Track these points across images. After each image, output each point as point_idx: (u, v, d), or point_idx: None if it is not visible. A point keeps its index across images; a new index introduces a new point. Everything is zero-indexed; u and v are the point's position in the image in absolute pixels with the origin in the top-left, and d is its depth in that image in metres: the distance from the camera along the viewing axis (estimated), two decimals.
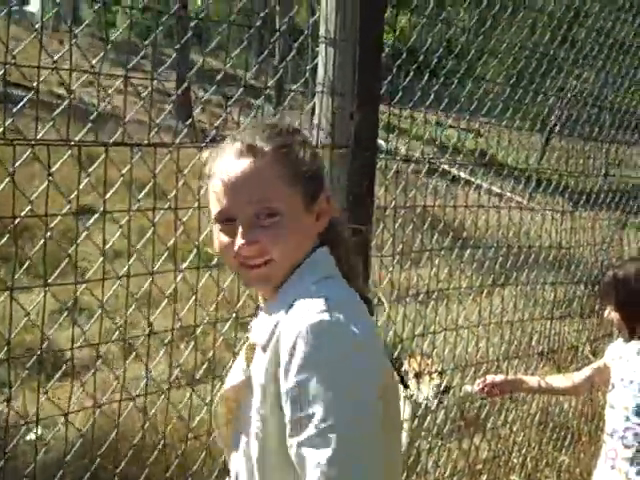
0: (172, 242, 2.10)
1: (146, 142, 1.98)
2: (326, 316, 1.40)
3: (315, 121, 2.44)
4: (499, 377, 3.36)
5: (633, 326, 3.03)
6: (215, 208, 1.54)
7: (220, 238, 1.55)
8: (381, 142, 2.98)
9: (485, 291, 3.77)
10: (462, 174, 4.74)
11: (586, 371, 3.40)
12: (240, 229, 1.50)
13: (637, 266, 3.05)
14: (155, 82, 2.49)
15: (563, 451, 4.22)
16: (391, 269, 2.89)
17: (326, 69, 2.41)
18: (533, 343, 4.07)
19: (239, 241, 1.49)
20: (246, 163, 1.51)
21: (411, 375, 3.93)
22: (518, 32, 3.79)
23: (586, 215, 4.35)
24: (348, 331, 1.41)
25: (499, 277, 3.77)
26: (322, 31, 2.40)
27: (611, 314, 3.10)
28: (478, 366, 3.69)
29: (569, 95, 4.51)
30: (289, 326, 1.42)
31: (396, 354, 3.15)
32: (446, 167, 4.43)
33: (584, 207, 4.46)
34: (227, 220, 1.52)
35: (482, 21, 3.64)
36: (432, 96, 3.27)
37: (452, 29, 3.42)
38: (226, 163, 1.53)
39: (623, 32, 4.69)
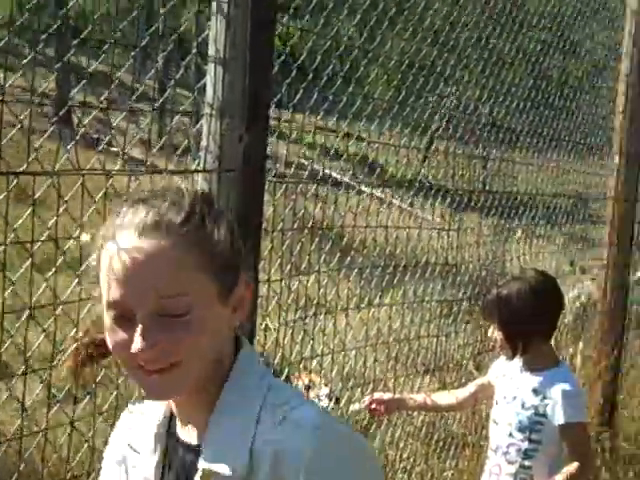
0: (52, 273, 1.99)
1: (23, 169, 1.86)
2: (331, 427, 1.25)
3: (203, 143, 2.36)
4: (386, 395, 3.37)
5: (515, 344, 3.08)
6: (107, 294, 1.23)
7: (112, 331, 1.24)
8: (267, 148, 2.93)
9: (372, 308, 3.77)
10: (353, 183, 4.73)
11: (470, 387, 3.45)
12: (139, 327, 1.20)
13: (519, 285, 3.11)
14: (34, 87, 2.37)
15: (447, 463, 4.28)
16: (279, 291, 2.84)
17: (215, 89, 2.34)
18: (419, 360, 4.10)
19: (137, 342, 1.19)
20: (150, 245, 1.21)
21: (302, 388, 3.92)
22: (400, 41, 3.82)
23: (470, 232, 4.41)
24: (351, 434, 1.29)
25: (386, 293, 3.79)
26: (211, 50, 2.32)
27: (494, 333, 3.14)
28: (366, 385, 3.69)
29: (450, 103, 4.57)
30: (288, 448, 1.19)
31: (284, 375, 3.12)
32: (334, 175, 4.43)
33: (467, 215, 4.52)
34: (122, 313, 1.22)
35: (370, 35, 3.64)
36: (323, 106, 3.25)
37: (340, 42, 3.40)
38: (124, 240, 1.22)
39: (505, 47, 4.78)
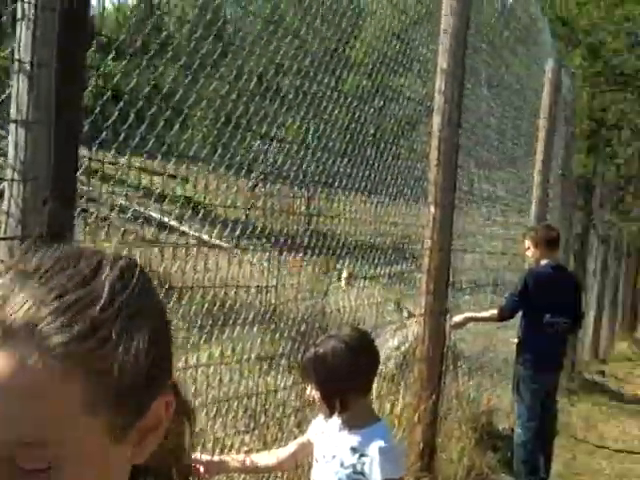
0: None
1: None
2: None
3: (4, 207, 2.23)
4: (204, 457, 3.27)
5: (332, 403, 3.08)
6: None
7: None
8: (83, 188, 2.84)
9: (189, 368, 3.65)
10: (172, 222, 4.65)
11: (290, 447, 3.42)
12: None
13: (334, 343, 3.11)
14: None
15: None
16: None
17: (17, 151, 2.21)
18: (240, 418, 4.02)
19: None
20: (4, 359, 0.78)
21: None
22: (224, 80, 3.80)
23: (291, 284, 4.40)
24: None
25: (203, 350, 3.68)
26: (13, 111, 2.21)
27: (312, 392, 3.13)
28: None
29: (274, 143, 4.58)
30: None
31: None
32: (154, 214, 4.33)
33: (290, 253, 4.50)
34: None
35: (193, 79, 3.61)
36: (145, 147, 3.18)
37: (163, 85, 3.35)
38: None
39: (325, 95, 4.83)
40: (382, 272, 5.87)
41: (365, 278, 5.71)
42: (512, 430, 7.28)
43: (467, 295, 7.56)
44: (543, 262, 6.77)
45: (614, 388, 13.51)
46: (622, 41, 10.76)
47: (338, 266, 5.50)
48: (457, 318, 6.54)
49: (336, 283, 5.64)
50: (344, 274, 6.47)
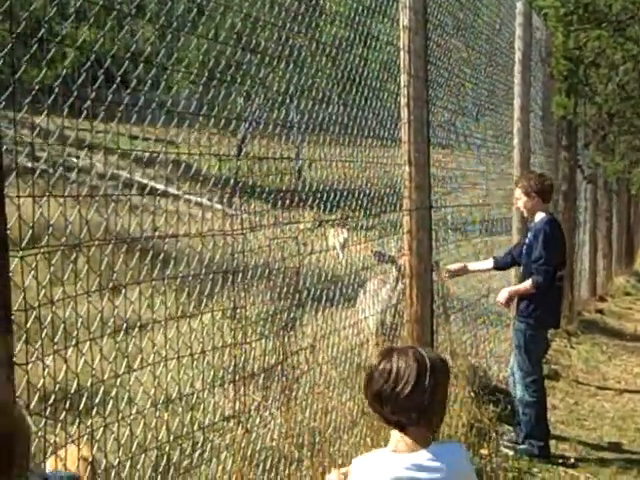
0: None
1: None
2: None
3: None
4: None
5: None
6: None
7: None
8: (74, 159, 2.81)
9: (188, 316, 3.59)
10: (161, 186, 4.61)
11: None
12: None
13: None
14: None
15: None
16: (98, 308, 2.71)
17: None
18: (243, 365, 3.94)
19: None
20: None
21: None
22: (202, 41, 3.72)
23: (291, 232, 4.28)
24: None
25: (200, 302, 3.61)
26: None
27: None
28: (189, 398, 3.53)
29: (257, 102, 4.50)
30: None
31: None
32: (143, 181, 4.27)
33: (282, 208, 4.42)
34: None
35: (173, 39, 3.53)
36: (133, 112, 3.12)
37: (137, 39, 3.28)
38: None
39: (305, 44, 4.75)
40: (375, 221, 5.69)
41: (361, 229, 5.54)
42: (507, 383, 7.13)
43: (452, 244, 7.36)
44: (541, 215, 6.41)
45: (614, 326, 13.48)
46: None
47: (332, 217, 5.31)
48: (454, 266, 6.47)
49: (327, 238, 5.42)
50: (339, 238, 6.24)
